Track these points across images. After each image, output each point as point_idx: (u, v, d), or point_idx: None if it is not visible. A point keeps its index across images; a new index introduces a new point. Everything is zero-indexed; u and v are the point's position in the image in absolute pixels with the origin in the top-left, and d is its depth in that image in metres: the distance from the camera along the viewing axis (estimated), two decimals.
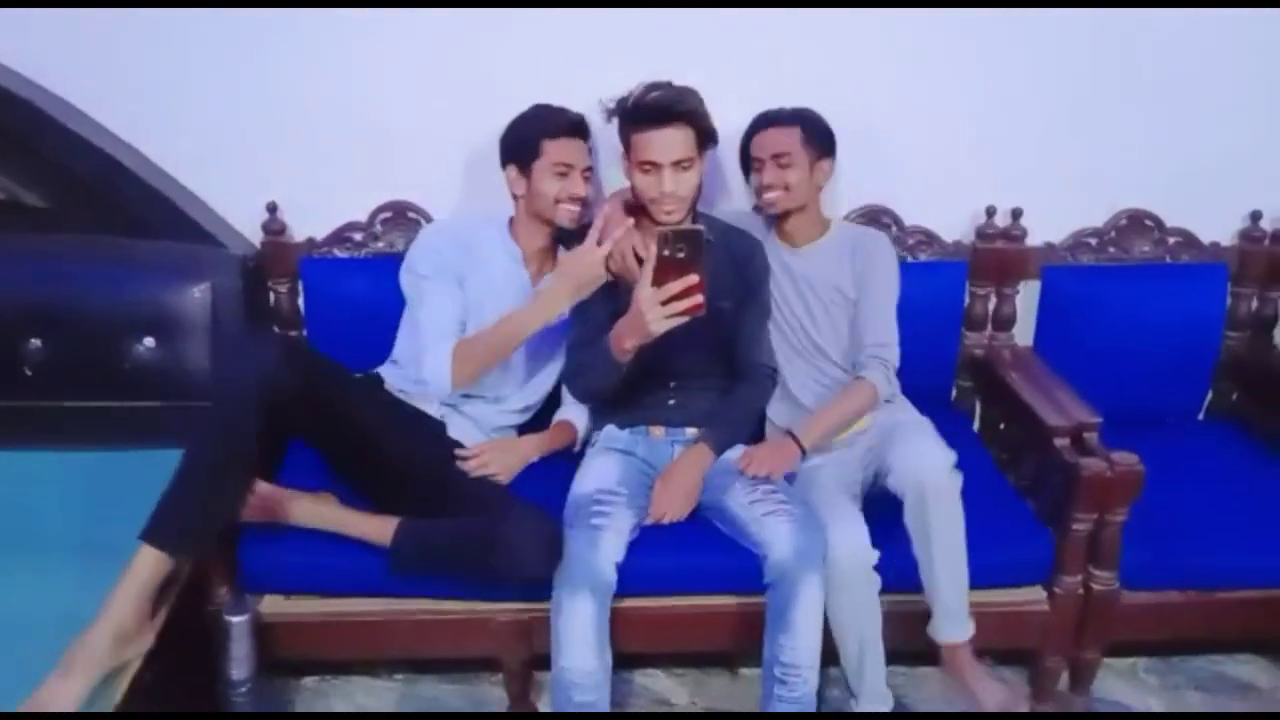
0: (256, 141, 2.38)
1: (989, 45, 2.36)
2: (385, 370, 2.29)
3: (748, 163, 2.27)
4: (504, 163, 2.20)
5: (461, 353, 2.09)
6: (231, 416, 1.81)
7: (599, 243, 2.00)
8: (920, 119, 2.41)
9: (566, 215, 2.18)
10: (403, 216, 2.46)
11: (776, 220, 2.28)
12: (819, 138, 2.21)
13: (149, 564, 1.75)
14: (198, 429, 1.83)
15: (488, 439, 2.23)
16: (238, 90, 2.35)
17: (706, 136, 2.08)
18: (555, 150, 2.13)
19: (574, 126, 2.16)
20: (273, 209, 2.41)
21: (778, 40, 2.34)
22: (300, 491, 2.06)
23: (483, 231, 2.25)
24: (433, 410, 2.21)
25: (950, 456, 2.00)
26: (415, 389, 2.18)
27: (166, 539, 1.76)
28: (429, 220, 2.46)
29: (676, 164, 2.03)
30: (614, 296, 2.07)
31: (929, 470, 1.95)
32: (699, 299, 1.90)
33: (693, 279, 1.88)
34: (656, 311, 1.89)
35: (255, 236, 2.44)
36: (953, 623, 1.99)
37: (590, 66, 2.24)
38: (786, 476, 2.13)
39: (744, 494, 2.05)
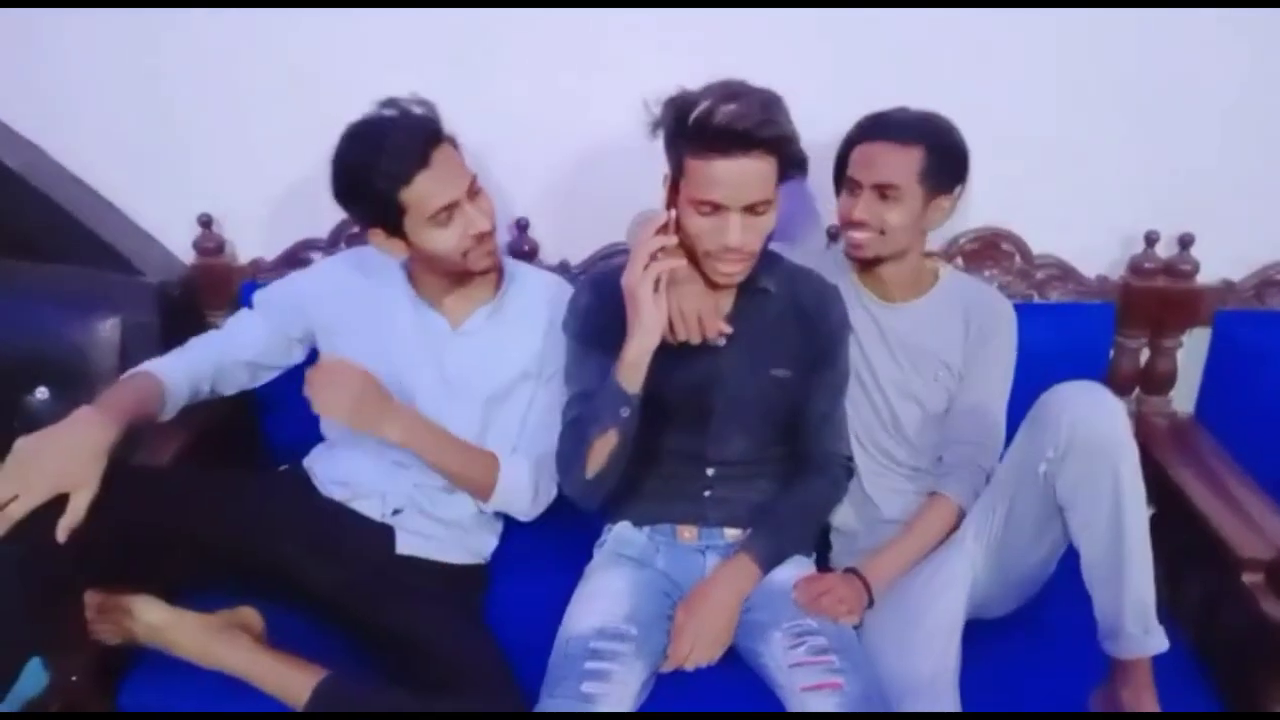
0: (189, 139, 1.98)
1: (1145, 30, 1.91)
2: (317, 458, 1.82)
3: (841, 175, 1.72)
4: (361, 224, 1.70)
5: None
6: None
7: None
8: (1055, 118, 1.96)
9: (482, 260, 1.65)
10: None
11: (861, 262, 1.75)
12: (946, 165, 1.68)
13: None
14: None
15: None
16: (165, 77, 1.96)
17: (793, 166, 1.53)
18: (421, 197, 1.56)
19: (428, 144, 1.57)
20: (206, 222, 2.00)
21: (877, 26, 1.90)
22: (203, 616, 1.57)
23: (383, 270, 1.76)
24: (375, 512, 1.72)
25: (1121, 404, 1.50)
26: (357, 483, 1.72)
27: None
28: None
29: (750, 208, 1.49)
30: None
31: (1104, 420, 1.44)
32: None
33: None
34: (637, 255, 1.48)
35: (189, 256, 2.04)
36: (1146, 625, 1.46)
37: (623, 50, 1.86)
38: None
39: (784, 647, 1.53)
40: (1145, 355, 2.08)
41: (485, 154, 1.92)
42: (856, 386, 1.75)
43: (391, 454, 1.68)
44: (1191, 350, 2.08)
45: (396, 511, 1.71)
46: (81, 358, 1.85)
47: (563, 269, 2.00)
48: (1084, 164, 1.98)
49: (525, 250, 1.98)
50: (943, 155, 1.66)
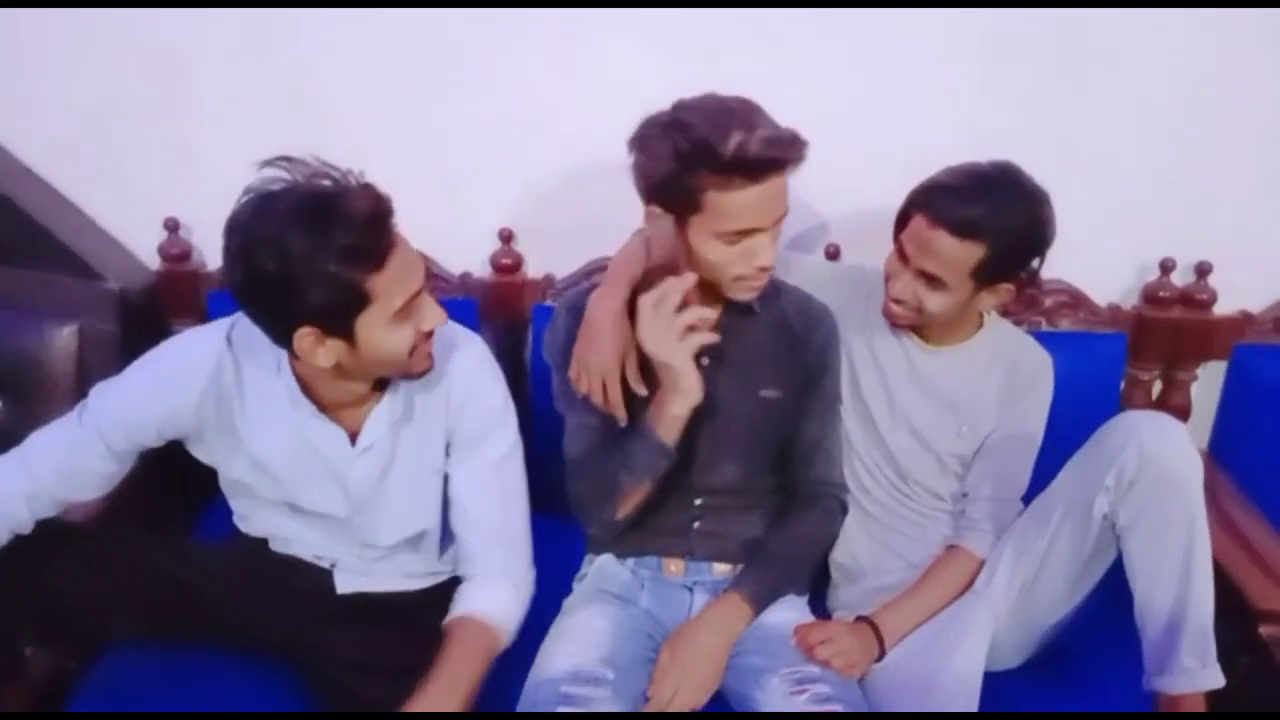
0: (157, 137, 1.89)
1: (1162, 46, 1.84)
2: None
3: (900, 226, 1.60)
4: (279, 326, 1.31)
5: None
6: None
7: None
8: (1065, 136, 1.89)
9: (424, 361, 1.39)
10: None
11: None
12: (1009, 261, 1.51)
13: None
14: None
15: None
16: (133, 73, 1.86)
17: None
18: (390, 284, 1.26)
19: (389, 220, 1.26)
20: (173, 226, 1.91)
21: (871, 34, 1.83)
22: None
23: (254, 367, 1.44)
24: (308, 553, 1.59)
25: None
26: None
27: None
28: None
29: (777, 222, 1.45)
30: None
31: (1177, 447, 1.42)
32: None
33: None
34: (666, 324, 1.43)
35: (154, 261, 1.96)
36: (1205, 659, 1.44)
37: (610, 55, 1.79)
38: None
39: (783, 694, 1.44)
40: (1158, 388, 2.03)
41: (468, 161, 1.86)
42: (869, 423, 1.66)
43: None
44: (1206, 384, 2.03)
45: (333, 565, 1.58)
46: (37, 366, 1.78)
47: (548, 284, 1.92)
48: (1096, 186, 1.90)
49: (508, 264, 1.90)
50: (1007, 250, 1.49)
